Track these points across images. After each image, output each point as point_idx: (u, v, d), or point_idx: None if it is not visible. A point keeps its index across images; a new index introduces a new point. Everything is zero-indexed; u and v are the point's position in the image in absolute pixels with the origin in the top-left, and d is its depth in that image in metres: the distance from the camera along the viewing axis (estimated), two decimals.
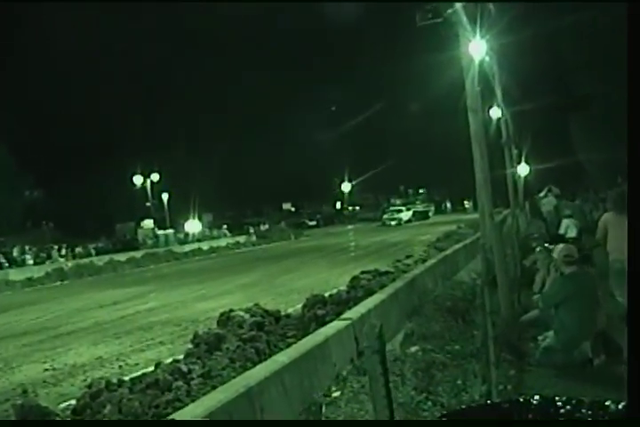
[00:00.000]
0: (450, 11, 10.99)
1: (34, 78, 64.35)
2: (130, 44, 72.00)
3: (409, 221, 70.22)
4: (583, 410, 2.20)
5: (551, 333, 8.71)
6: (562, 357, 8.31)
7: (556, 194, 25.50)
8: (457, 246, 21.22)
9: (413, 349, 9.06)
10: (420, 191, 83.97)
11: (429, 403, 6.87)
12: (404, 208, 74.22)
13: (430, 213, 78.53)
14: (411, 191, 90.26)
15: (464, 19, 11.13)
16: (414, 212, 74.41)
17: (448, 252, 19.57)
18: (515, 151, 32.12)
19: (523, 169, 37.08)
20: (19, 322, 19.62)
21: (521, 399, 2.39)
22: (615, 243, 10.10)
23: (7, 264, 39.69)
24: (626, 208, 9.16)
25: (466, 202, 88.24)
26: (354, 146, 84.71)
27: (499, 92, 26.40)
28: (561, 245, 9.61)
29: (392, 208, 75.53)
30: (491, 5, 13.33)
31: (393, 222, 67.97)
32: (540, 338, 8.96)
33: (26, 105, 63.43)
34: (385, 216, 71.07)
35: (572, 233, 17.11)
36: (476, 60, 11.95)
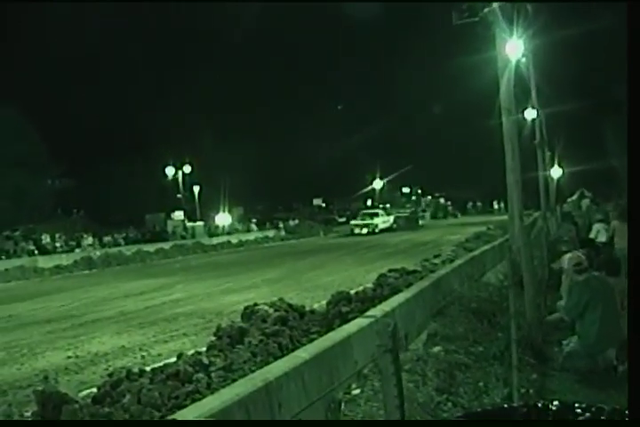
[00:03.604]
0: (486, 10, 10.90)
1: (66, 68, 65.02)
2: (162, 38, 72.66)
3: (389, 228, 56.50)
4: (602, 417, 2.15)
5: (575, 337, 8.62)
6: (585, 362, 8.22)
7: (589, 197, 25.30)
8: (485, 247, 21.03)
9: (436, 349, 8.99)
10: (405, 191, 68.00)
11: (449, 404, 6.81)
12: (381, 212, 59.16)
13: (421, 221, 65.26)
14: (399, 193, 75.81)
15: (500, 18, 11.03)
16: (397, 217, 60.44)
17: (476, 253, 19.40)
18: (548, 154, 31.88)
19: (556, 172, 36.84)
20: (45, 309, 19.77)
21: (539, 404, 2.34)
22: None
23: (36, 251, 39.99)
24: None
25: (495, 203, 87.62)
26: (387, 144, 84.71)
27: (534, 93, 26.20)
28: (568, 255, 9.63)
29: (364, 212, 59.97)
30: (528, 5, 13.19)
31: (363, 230, 53.78)
32: (564, 342, 8.88)
33: (59, 95, 64.11)
34: (352, 222, 57.23)
35: (603, 238, 16.84)
36: (513, 59, 11.85)
